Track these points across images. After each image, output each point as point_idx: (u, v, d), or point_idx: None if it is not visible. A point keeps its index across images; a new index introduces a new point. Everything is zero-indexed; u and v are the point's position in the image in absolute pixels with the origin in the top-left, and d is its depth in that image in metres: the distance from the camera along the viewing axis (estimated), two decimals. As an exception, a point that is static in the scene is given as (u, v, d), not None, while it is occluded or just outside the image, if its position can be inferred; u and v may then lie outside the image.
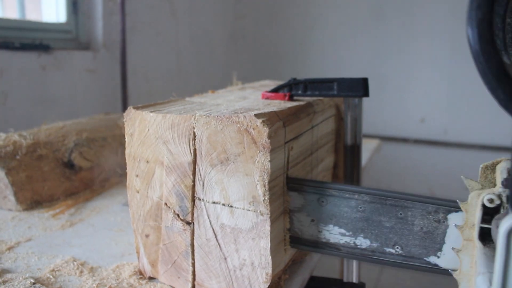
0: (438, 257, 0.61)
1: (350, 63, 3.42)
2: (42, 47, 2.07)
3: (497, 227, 0.44)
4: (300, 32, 3.55)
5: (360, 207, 0.64)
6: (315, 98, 0.81)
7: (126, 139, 0.70)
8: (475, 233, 0.52)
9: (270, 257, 0.61)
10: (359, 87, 0.73)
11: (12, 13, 2.18)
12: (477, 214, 0.52)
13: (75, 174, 1.16)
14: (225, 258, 0.64)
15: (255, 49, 3.68)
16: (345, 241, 0.66)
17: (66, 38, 2.31)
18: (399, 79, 3.32)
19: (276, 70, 3.57)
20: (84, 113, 2.06)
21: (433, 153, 3.28)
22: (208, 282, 0.67)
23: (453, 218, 0.59)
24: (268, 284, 0.62)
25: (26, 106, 2.02)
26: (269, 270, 0.61)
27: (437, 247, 0.61)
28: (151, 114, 0.66)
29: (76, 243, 0.87)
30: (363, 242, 0.65)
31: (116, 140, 1.30)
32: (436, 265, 0.62)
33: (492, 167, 0.58)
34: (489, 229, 0.51)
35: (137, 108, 0.69)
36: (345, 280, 0.82)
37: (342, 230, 0.66)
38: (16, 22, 2.07)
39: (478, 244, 0.52)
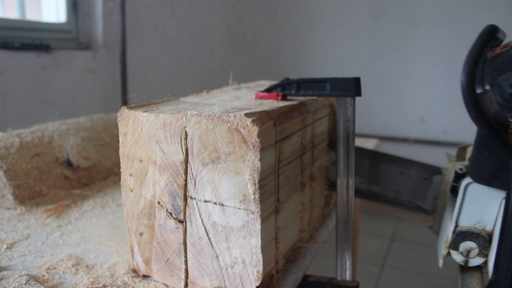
0: (423, 202, 0.89)
1: (350, 63, 3.42)
2: (42, 47, 2.08)
3: None
4: (300, 32, 3.56)
5: (375, 165, 0.92)
6: (308, 98, 0.82)
7: (120, 139, 0.71)
8: (448, 187, 0.82)
9: (261, 255, 0.61)
10: (351, 87, 0.74)
11: (12, 13, 2.19)
12: (451, 176, 0.81)
13: (73, 173, 1.17)
14: (217, 256, 0.65)
15: (254, 49, 3.69)
16: (363, 186, 0.94)
17: (66, 38, 2.32)
18: (398, 79, 3.32)
19: (275, 70, 3.58)
20: (84, 113, 2.07)
21: (433, 153, 3.28)
22: (200, 280, 0.67)
23: (436, 178, 0.87)
24: (260, 282, 0.63)
25: (26, 106, 2.03)
26: (260, 268, 0.62)
27: (423, 195, 0.89)
28: (144, 114, 0.67)
29: (73, 241, 0.87)
30: (375, 188, 0.93)
31: (114, 140, 1.30)
32: (421, 207, 0.89)
33: (465, 148, 0.87)
34: (457, 186, 0.78)
35: (130, 108, 0.70)
36: (338, 278, 0.83)
37: (361, 179, 0.93)
38: (16, 22, 2.08)
39: (449, 194, 0.83)
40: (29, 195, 1.06)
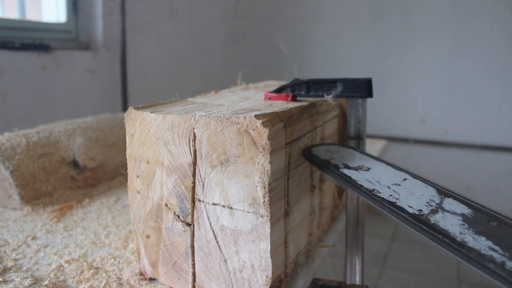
0: None
1: (350, 63, 3.42)
2: (42, 47, 2.07)
3: None
4: (300, 32, 3.55)
5: None
6: (318, 99, 0.81)
7: (127, 140, 0.70)
8: None
9: (270, 260, 0.60)
10: (362, 88, 0.73)
11: (12, 13, 2.18)
12: None
13: (80, 173, 1.16)
14: (225, 260, 0.64)
15: (255, 49, 3.68)
16: None
17: (66, 38, 2.31)
18: (399, 79, 3.31)
19: (276, 70, 3.57)
20: (84, 113, 2.06)
21: (433, 153, 3.28)
22: (208, 284, 0.66)
23: None
24: (268, 286, 0.62)
25: (26, 106, 2.02)
26: (269, 273, 0.61)
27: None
28: (152, 114, 0.66)
29: (79, 243, 0.86)
30: None
31: (121, 140, 1.29)
32: None
33: None
34: None
35: (138, 108, 0.69)
36: (348, 282, 0.82)
37: None
38: (16, 22, 2.06)
39: None
40: (35, 195, 1.05)
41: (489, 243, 0.45)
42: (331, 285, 0.75)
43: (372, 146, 1.69)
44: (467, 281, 2.55)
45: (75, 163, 1.15)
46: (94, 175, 1.19)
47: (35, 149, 1.08)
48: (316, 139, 0.77)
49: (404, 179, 0.60)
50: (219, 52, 3.52)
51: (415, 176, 0.61)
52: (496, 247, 0.44)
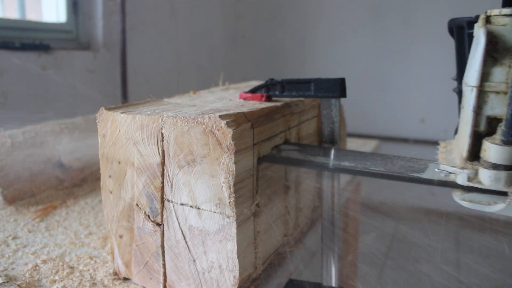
0: None
1: (350, 63, 3.40)
2: (42, 47, 2.08)
3: None
4: (300, 32, 3.54)
5: None
6: (295, 99, 0.80)
7: (99, 140, 0.70)
8: None
9: (237, 260, 0.60)
10: (335, 88, 0.72)
11: (12, 13, 2.20)
12: None
13: (65, 173, 1.16)
14: (194, 260, 0.64)
15: (255, 49, 3.68)
16: None
17: (66, 38, 2.32)
18: (399, 79, 3.29)
19: (276, 70, 3.56)
20: (84, 113, 2.06)
21: (433, 153, 3.24)
22: (178, 284, 0.66)
23: None
24: (236, 287, 0.61)
25: (26, 106, 2.03)
26: (237, 273, 0.61)
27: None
28: (122, 115, 0.66)
29: (58, 243, 0.87)
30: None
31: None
32: None
33: None
34: None
35: (109, 109, 0.69)
36: (324, 284, 0.81)
37: None
38: (16, 22, 2.08)
39: None
40: (19, 195, 1.06)
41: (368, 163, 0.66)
42: (307, 286, 0.74)
43: (364, 146, 1.68)
44: (467, 281, 2.52)
45: (60, 163, 1.15)
46: (80, 175, 1.19)
47: (20, 149, 1.09)
48: (290, 140, 0.76)
49: None
50: (219, 52, 3.52)
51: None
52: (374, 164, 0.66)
